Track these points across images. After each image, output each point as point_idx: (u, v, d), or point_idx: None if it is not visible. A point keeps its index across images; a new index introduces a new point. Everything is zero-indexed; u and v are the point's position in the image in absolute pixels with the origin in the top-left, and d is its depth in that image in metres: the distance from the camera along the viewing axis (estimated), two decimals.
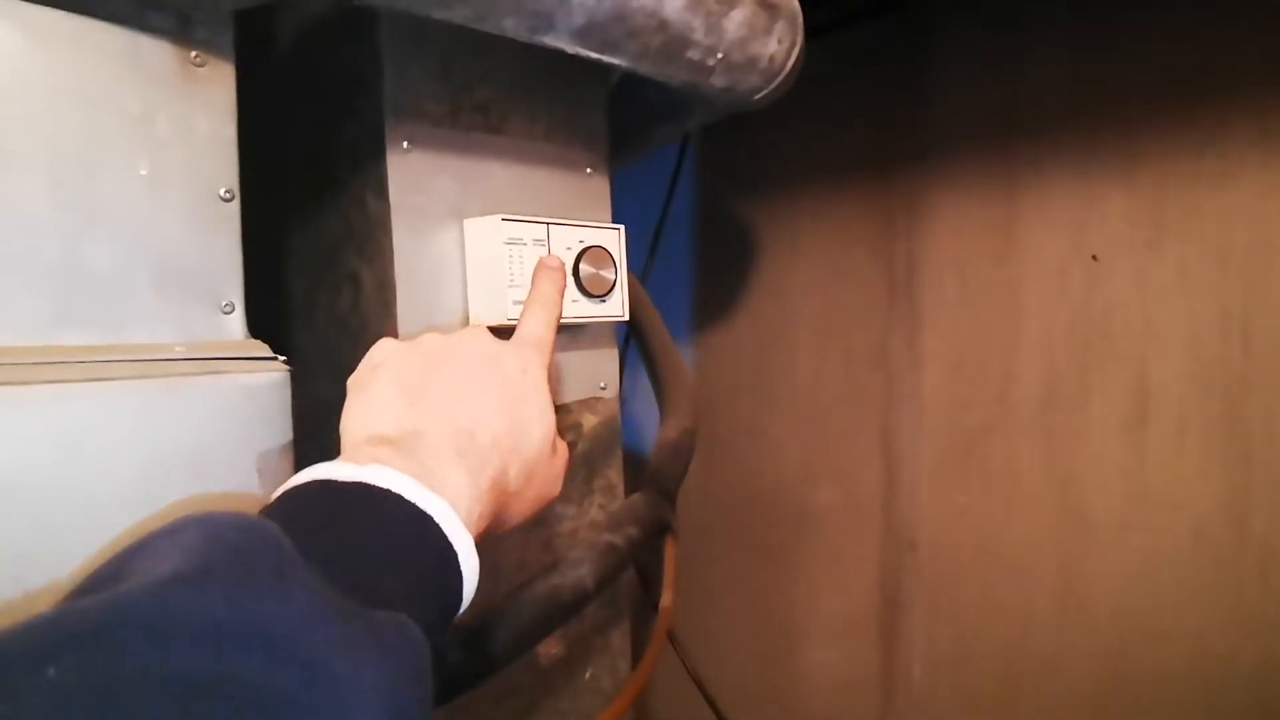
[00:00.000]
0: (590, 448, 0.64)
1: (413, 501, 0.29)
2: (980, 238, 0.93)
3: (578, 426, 0.64)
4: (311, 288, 0.61)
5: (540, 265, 0.47)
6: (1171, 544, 0.82)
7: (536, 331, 0.41)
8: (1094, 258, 0.86)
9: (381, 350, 0.39)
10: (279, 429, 0.41)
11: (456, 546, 0.30)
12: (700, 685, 0.82)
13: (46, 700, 0.18)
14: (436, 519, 0.29)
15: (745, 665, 1.16)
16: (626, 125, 0.70)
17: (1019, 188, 0.90)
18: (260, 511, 0.28)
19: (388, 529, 0.28)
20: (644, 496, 0.56)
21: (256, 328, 0.44)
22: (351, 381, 0.38)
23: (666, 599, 0.54)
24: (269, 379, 0.41)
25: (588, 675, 0.65)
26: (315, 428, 0.59)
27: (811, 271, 1.08)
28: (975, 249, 0.94)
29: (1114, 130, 0.83)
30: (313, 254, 0.61)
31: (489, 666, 0.41)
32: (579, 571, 0.48)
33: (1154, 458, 0.83)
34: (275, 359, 0.42)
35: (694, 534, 1.24)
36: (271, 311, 0.65)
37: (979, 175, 0.93)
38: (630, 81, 0.66)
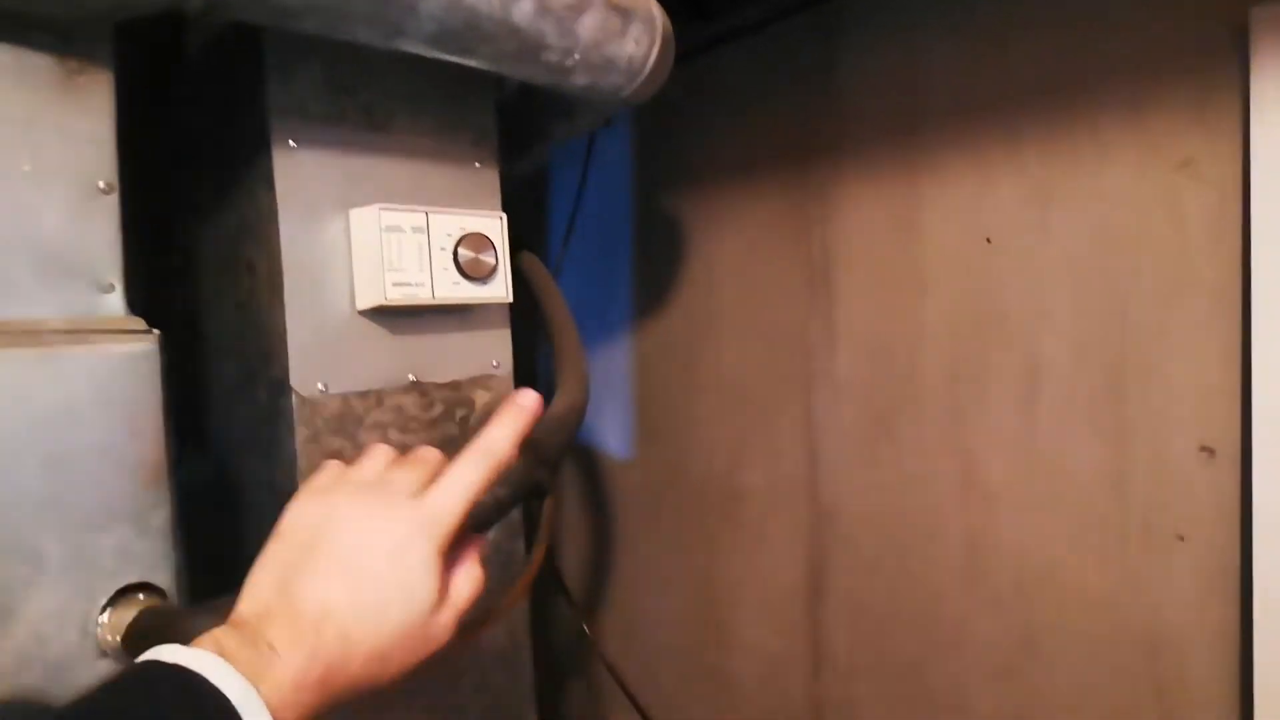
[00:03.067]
0: (482, 425, 0.69)
1: (217, 686, 0.32)
2: (886, 224, 0.98)
3: (470, 403, 0.69)
4: (217, 278, 0.67)
5: (509, 399, 0.48)
6: (1063, 511, 0.86)
7: (444, 502, 0.42)
8: (988, 240, 0.90)
9: (290, 514, 0.41)
10: (151, 391, 0.46)
11: None
12: (612, 670, 0.87)
13: None
14: (237, 705, 0.32)
15: (686, 644, 1.21)
16: (525, 123, 0.76)
17: (920, 175, 0.95)
18: (91, 688, 0.32)
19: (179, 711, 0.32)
20: (518, 462, 0.61)
21: (159, 312, 0.49)
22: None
23: (539, 551, 0.59)
24: (139, 348, 0.46)
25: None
26: (221, 405, 0.65)
27: (736, 262, 1.13)
28: (882, 235, 0.98)
29: (1003, 118, 0.88)
30: (218, 247, 0.66)
31: None
32: None
33: (1044, 429, 0.87)
34: (149, 331, 0.47)
35: (634, 521, 1.29)
36: (188, 301, 0.70)
37: (884, 164, 0.98)
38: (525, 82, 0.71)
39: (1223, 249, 0.74)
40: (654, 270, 1.25)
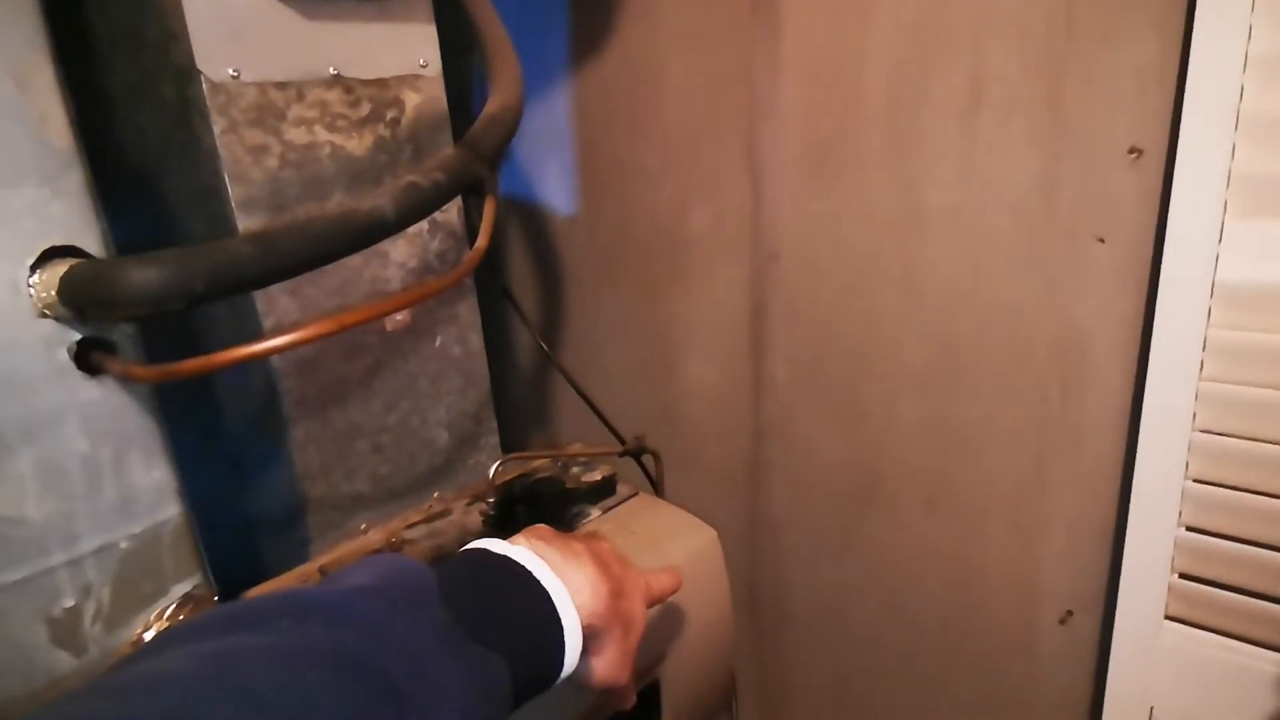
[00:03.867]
0: (414, 128, 0.66)
1: (539, 579, 0.40)
2: None
3: (399, 104, 0.65)
4: None
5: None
6: (994, 225, 0.89)
7: (653, 581, 0.51)
8: None
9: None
10: (28, 33, 0.41)
11: (565, 624, 0.40)
12: (571, 381, 0.91)
13: (275, 643, 0.29)
14: (554, 597, 0.40)
15: (636, 389, 1.27)
16: None
17: None
18: (435, 563, 0.39)
19: (510, 594, 0.39)
20: (455, 152, 0.59)
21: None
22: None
23: (481, 242, 0.59)
24: None
25: (437, 343, 0.72)
26: (126, 116, 0.60)
27: None
28: None
29: None
30: None
31: (276, 269, 0.45)
32: (377, 201, 0.51)
33: (983, 143, 0.87)
34: None
35: (583, 275, 1.30)
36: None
37: None
38: None
39: None
40: (591, 10, 1.16)
